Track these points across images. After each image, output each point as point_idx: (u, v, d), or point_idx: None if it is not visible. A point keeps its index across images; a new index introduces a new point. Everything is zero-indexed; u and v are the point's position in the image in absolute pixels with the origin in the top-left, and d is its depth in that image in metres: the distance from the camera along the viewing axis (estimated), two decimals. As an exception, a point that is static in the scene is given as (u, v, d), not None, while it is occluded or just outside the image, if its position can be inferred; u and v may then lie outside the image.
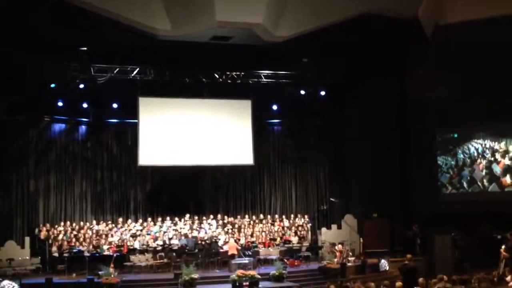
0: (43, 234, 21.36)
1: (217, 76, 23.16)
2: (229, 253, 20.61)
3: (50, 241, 20.97)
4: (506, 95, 21.51)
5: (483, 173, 23.18)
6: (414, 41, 23.35)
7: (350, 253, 22.18)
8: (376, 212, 25.07)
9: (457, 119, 22.83)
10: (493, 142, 23.05)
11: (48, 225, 21.91)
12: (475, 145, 23.43)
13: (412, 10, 21.73)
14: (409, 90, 25.10)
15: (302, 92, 23.82)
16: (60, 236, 21.23)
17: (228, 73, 23.16)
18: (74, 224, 22.47)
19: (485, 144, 23.20)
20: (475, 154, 23.39)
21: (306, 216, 24.89)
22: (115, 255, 20.08)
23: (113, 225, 22.74)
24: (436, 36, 22.99)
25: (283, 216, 24.90)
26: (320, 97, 24.03)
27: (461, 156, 23.63)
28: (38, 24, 19.28)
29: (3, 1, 18.22)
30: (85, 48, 19.81)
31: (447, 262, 20.79)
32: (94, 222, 22.98)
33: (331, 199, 25.65)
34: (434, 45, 23.03)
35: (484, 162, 23.18)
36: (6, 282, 17.13)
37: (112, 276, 18.02)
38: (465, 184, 23.50)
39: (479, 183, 23.24)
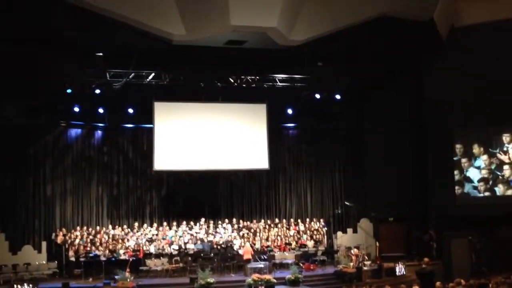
0: (59, 239, 21.49)
1: (232, 80, 23.14)
2: (245, 257, 20.60)
3: (66, 246, 21.13)
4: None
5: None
6: (430, 43, 23.22)
7: (366, 257, 22.12)
8: (392, 216, 24.97)
9: (474, 121, 22.64)
10: (510, 144, 22.80)
11: (64, 229, 22.04)
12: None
13: (428, 12, 21.57)
14: (426, 93, 24.89)
15: (317, 96, 23.75)
16: (77, 241, 21.35)
17: (243, 77, 23.12)
18: (90, 229, 22.62)
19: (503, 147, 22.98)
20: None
21: (321, 220, 24.80)
22: (131, 259, 20.18)
23: (129, 229, 22.86)
24: (452, 38, 22.91)
25: (299, 220, 24.84)
26: (336, 100, 23.95)
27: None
28: (56, 27, 19.35)
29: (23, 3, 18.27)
30: (101, 54, 19.88)
31: (465, 266, 20.68)
32: (110, 226, 23.07)
33: (346, 203, 25.53)
34: (450, 47, 22.93)
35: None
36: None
37: (128, 280, 18.12)
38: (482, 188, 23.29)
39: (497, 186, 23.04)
